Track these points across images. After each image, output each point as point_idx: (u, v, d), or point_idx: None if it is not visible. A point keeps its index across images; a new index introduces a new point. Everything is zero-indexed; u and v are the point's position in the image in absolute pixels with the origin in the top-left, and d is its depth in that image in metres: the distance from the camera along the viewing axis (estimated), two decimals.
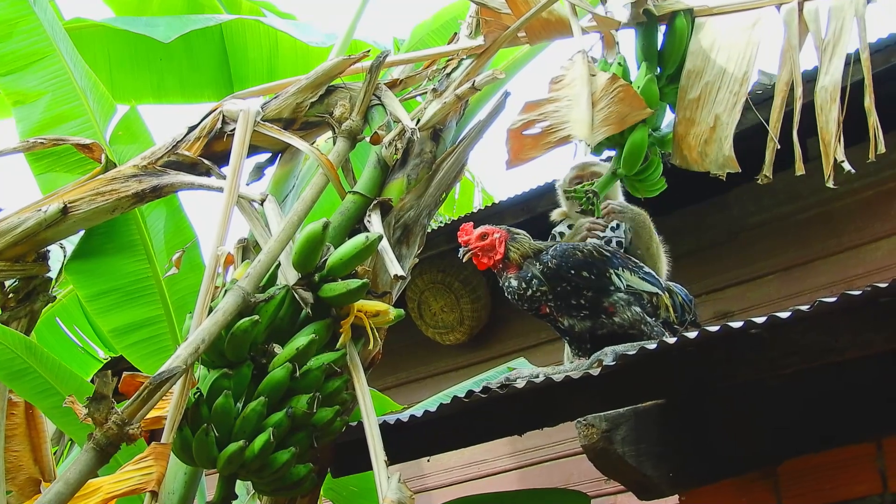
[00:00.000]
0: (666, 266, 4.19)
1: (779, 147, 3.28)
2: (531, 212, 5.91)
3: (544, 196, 6.00)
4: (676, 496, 3.40)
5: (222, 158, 3.85)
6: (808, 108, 3.31)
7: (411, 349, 6.88)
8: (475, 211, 6.87)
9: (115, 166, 4.08)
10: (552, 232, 4.42)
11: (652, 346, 2.97)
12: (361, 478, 4.09)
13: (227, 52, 5.19)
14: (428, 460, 4.21)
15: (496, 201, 6.62)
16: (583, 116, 3.28)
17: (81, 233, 4.18)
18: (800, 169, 3.23)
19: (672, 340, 2.96)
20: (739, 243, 5.88)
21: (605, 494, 5.81)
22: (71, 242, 4.28)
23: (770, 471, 3.33)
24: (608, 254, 3.61)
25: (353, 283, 3.25)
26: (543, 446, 6.30)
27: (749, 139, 3.53)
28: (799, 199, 5.76)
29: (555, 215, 4.45)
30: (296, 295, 3.27)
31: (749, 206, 5.84)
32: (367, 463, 3.22)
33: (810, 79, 3.39)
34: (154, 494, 2.99)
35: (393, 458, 3.17)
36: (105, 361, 6.29)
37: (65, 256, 4.25)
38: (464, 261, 3.63)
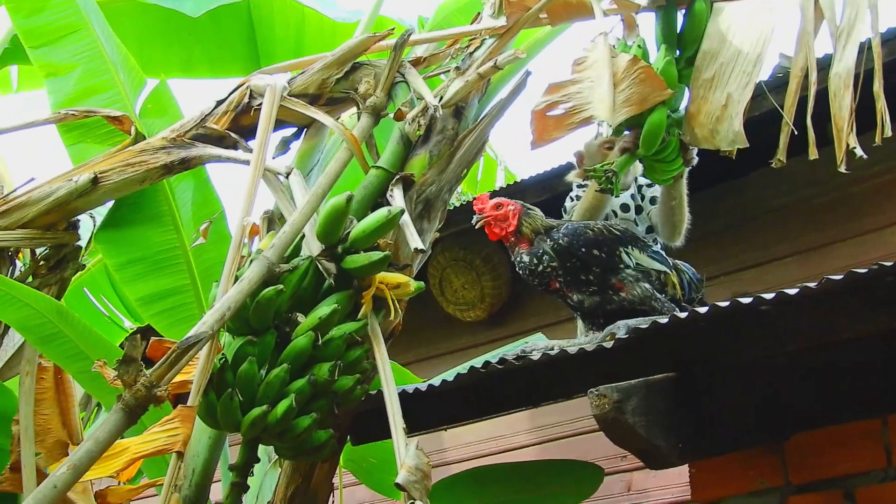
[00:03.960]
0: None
1: (795, 132, 3.33)
2: (552, 190, 5.95)
3: (565, 175, 6.07)
4: (686, 466, 3.48)
5: (249, 132, 3.92)
6: (823, 94, 3.37)
7: (432, 326, 6.95)
8: (497, 189, 6.92)
9: (145, 138, 4.16)
10: (569, 195, 4.48)
11: (664, 320, 3.05)
12: (380, 448, 4.17)
13: (255, 28, 5.26)
14: (446, 430, 4.28)
15: (518, 180, 6.68)
16: (605, 97, 3.33)
17: (111, 203, 4.28)
18: (813, 153, 3.28)
19: (683, 315, 3.04)
20: (756, 226, 5.92)
21: (622, 471, 5.90)
22: (99, 214, 4.37)
23: (777, 445, 3.40)
24: (618, 232, 3.69)
25: (376, 255, 3.32)
26: (561, 422, 6.36)
27: (766, 125, 3.58)
28: (816, 184, 5.80)
29: (571, 177, 4.51)
30: (319, 266, 3.33)
31: (766, 189, 5.88)
32: (385, 431, 3.29)
33: (824, 66, 3.43)
34: (180, 455, 3.08)
35: (411, 427, 3.23)
36: (130, 331, 6.37)
37: (94, 226, 4.34)
38: (475, 227, 3.72)
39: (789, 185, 5.76)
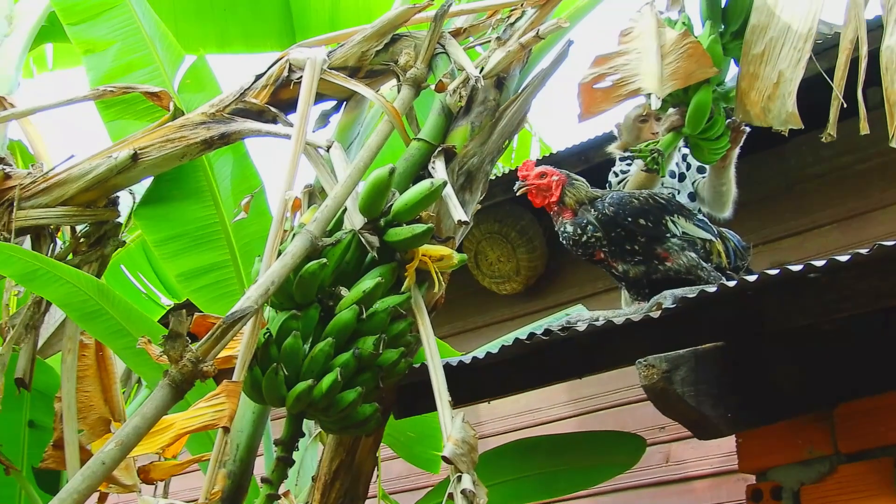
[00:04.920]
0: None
1: (844, 105, 3.29)
2: (588, 162, 5.94)
3: (602, 146, 6.02)
4: (725, 438, 3.45)
5: (288, 106, 3.92)
6: (870, 60, 3.32)
7: (468, 299, 6.95)
8: (535, 161, 6.89)
9: (183, 114, 4.15)
10: (612, 170, 4.46)
11: (712, 289, 3.03)
12: (419, 422, 4.17)
13: (290, 1, 5.23)
14: (489, 402, 4.27)
15: (553, 151, 6.64)
16: (652, 69, 3.31)
17: (150, 180, 4.28)
18: (864, 129, 3.23)
19: (731, 283, 3.01)
20: (797, 194, 5.89)
21: (660, 443, 5.89)
22: (138, 191, 4.38)
23: (826, 413, 3.37)
24: (663, 201, 3.67)
25: (419, 228, 3.30)
26: (599, 394, 6.37)
27: (807, 90, 3.54)
28: (858, 150, 5.75)
29: (612, 148, 4.49)
30: (362, 239, 3.31)
31: (807, 156, 5.83)
32: (427, 405, 3.29)
33: (872, 27, 3.39)
34: (226, 430, 3.07)
35: (456, 400, 3.21)
36: (167, 308, 6.40)
37: (134, 202, 4.35)
38: (517, 194, 3.70)
39: (830, 151, 5.71)
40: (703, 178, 4.34)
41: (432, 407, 3.23)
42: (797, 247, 5.77)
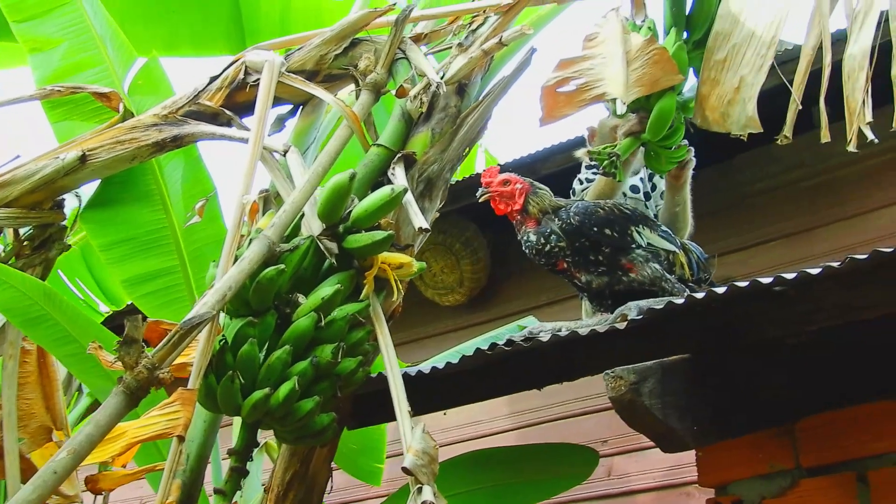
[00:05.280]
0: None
1: (800, 107, 3.30)
2: (535, 174, 5.91)
3: (548, 159, 6.04)
4: (693, 451, 3.44)
5: (244, 109, 3.84)
6: (817, 74, 3.33)
7: (411, 310, 6.80)
8: (478, 173, 6.88)
9: (133, 116, 4.07)
10: (577, 178, 4.43)
11: (680, 300, 3.00)
12: (362, 435, 4.13)
13: (240, 5, 5.16)
14: (444, 414, 4.24)
15: (500, 163, 6.62)
16: (618, 75, 3.29)
17: (97, 182, 4.18)
18: (825, 136, 3.25)
19: (700, 295, 2.99)
20: (743, 209, 5.92)
21: (602, 456, 5.85)
22: (84, 195, 4.28)
23: (788, 427, 3.37)
24: (628, 211, 3.64)
25: (379, 235, 3.25)
26: (541, 407, 6.37)
27: (760, 102, 3.54)
28: (803, 167, 5.81)
29: (580, 154, 4.46)
30: (321, 245, 3.25)
31: (753, 172, 5.88)
32: (383, 415, 3.26)
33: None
34: (181, 439, 3.00)
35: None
36: (106, 315, 6.29)
37: (80, 205, 4.25)
38: (480, 201, 3.67)
39: (778, 167, 5.75)
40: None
41: (388, 417, 3.19)
42: (742, 262, 5.79)
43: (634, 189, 4.27)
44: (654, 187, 4.37)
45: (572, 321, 3.56)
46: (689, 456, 3.58)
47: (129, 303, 6.22)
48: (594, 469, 4.61)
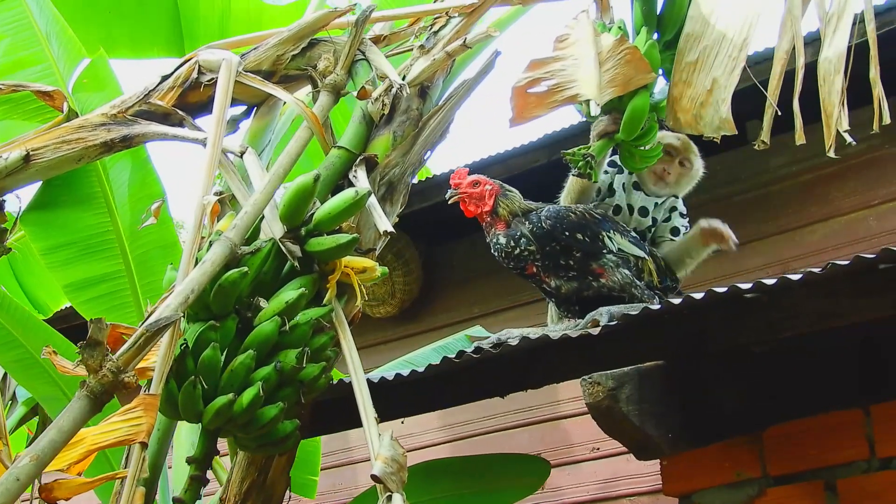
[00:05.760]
0: None
1: (779, 113, 3.29)
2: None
3: (488, 168, 6.00)
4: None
5: (197, 109, 3.74)
6: (791, 76, 3.34)
7: None
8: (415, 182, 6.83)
9: (77, 116, 3.95)
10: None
11: (655, 306, 2.97)
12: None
13: (179, 7, 5.07)
14: (402, 422, 4.17)
15: (432, 175, 6.54)
16: (590, 76, 3.27)
17: (38, 184, 4.06)
18: (800, 138, 3.24)
19: (677, 301, 2.96)
20: None
21: None
22: (26, 195, 4.17)
23: (755, 436, 3.35)
24: (599, 216, 3.62)
25: (343, 238, 3.19)
26: (473, 420, 6.36)
27: None
28: (737, 181, 5.87)
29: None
30: (283, 248, 3.18)
31: None
32: (344, 422, 3.18)
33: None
34: (144, 445, 2.90)
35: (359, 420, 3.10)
36: None
37: (20, 207, 4.12)
38: (449, 202, 3.62)
39: (712, 182, 5.77)
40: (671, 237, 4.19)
41: (351, 424, 3.12)
42: None
43: (643, 211, 4.14)
44: (631, 209, 4.28)
45: (539, 327, 3.51)
46: (625, 468, 3.57)
47: (55, 311, 6.09)
48: (546, 478, 4.59)
